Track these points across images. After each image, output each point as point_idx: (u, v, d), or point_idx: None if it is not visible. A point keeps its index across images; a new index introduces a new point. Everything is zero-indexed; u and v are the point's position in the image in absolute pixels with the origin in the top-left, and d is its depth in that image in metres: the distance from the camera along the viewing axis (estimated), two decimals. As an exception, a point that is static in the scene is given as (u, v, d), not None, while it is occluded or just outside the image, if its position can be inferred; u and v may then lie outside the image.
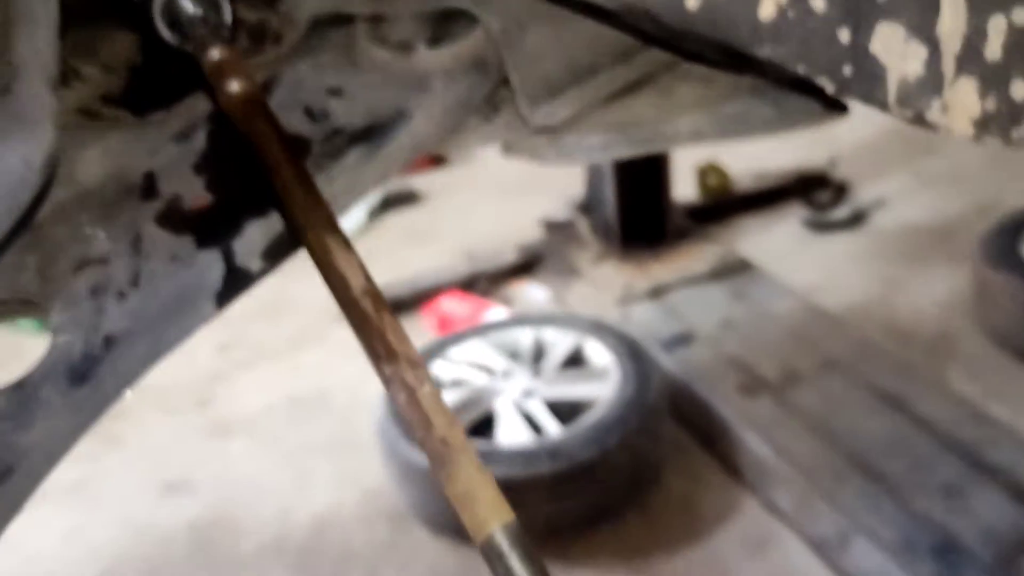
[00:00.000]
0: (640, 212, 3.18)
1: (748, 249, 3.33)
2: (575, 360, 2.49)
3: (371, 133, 0.55)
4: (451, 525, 2.24)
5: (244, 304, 2.66)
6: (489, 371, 2.46)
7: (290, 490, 2.52)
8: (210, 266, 0.52)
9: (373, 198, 4.23)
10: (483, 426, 2.35)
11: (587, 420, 2.18)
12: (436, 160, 4.82)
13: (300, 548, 2.32)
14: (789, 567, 2.08)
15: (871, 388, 2.38)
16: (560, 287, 3.30)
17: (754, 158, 4.12)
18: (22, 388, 0.48)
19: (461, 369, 2.47)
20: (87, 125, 0.45)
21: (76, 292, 0.47)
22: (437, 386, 0.46)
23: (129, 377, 0.51)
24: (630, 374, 2.29)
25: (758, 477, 2.26)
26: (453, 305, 3.16)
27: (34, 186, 0.41)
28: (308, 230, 0.50)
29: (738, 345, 2.62)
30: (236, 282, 0.54)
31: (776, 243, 3.51)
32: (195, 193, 0.51)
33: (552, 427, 2.23)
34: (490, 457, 2.13)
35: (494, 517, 0.40)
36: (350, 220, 4.07)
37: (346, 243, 0.50)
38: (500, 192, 4.39)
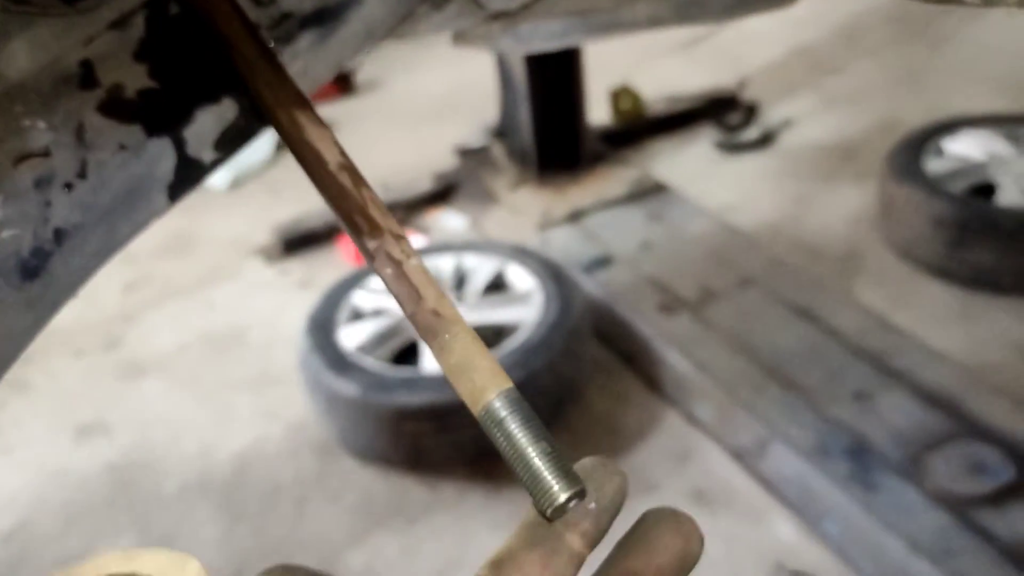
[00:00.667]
0: (555, 136, 3.17)
1: (662, 171, 3.36)
2: (497, 286, 2.49)
3: (322, 17, 0.52)
4: (379, 454, 2.24)
5: (150, 241, 2.59)
6: (411, 299, 2.43)
7: (210, 428, 2.48)
8: (161, 156, 0.49)
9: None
10: (407, 355, 2.35)
11: (512, 344, 2.19)
12: (344, 88, 4.70)
13: (225, 485, 2.29)
14: (711, 476, 2.15)
15: (784, 302, 2.45)
16: (478, 214, 3.28)
17: (666, 81, 4.14)
18: None
19: (381, 299, 2.44)
20: (10, 13, 0.41)
21: (19, 185, 0.44)
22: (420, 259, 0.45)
23: (82, 273, 0.48)
24: (552, 297, 2.30)
25: (679, 392, 2.32)
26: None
27: None
28: (277, 108, 0.47)
29: (656, 266, 2.66)
30: (188, 173, 0.51)
31: (689, 165, 3.55)
32: (138, 81, 0.47)
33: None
34: (417, 384, 2.12)
35: (492, 385, 0.40)
36: (256, 152, 3.95)
37: (318, 119, 0.48)
38: (412, 119, 4.32)
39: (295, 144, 0.47)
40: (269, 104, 0.48)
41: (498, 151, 3.36)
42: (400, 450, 2.21)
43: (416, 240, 3.00)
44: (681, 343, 2.33)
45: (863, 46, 4.44)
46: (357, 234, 0.45)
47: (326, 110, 4.32)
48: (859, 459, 1.95)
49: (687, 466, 2.19)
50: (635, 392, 2.41)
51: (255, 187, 3.88)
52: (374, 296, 2.45)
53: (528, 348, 2.15)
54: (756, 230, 2.98)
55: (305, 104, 0.48)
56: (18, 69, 0.43)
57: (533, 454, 0.39)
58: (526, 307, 2.32)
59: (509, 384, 0.40)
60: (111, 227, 0.48)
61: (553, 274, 2.38)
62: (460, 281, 2.50)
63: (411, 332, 2.35)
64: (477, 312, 2.37)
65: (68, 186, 0.45)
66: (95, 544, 2.15)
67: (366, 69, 4.93)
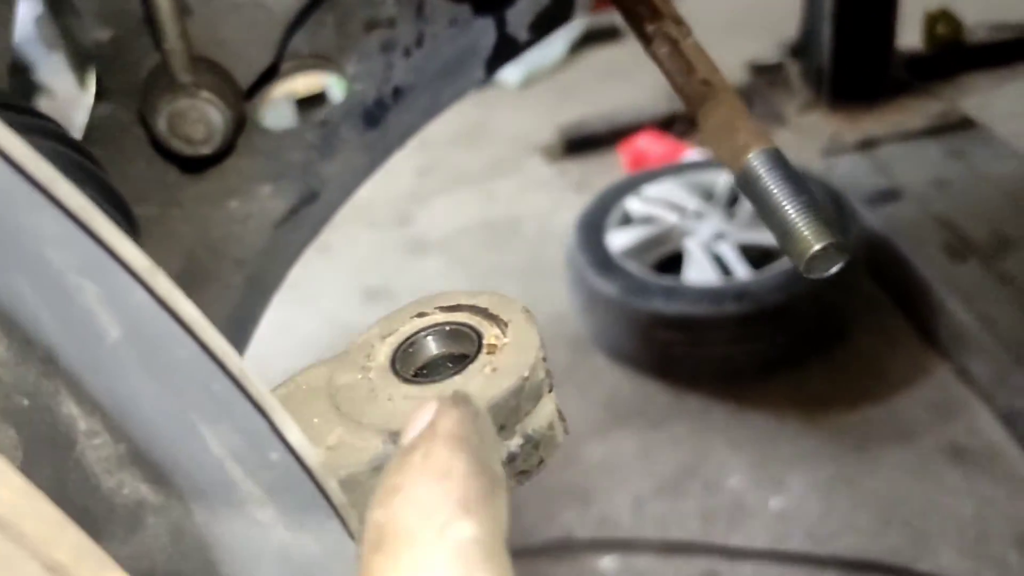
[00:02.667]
0: (857, 59, 2.99)
1: (974, 108, 3.08)
2: (771, 207, 2.44)
3: None
4: (630, 356, 2.31)
5: (444, 131, 2.77)
6: (681, 210, 2.45)
7: (479, 308, 2.65)
8: (484, 32, 0.56)
9: (573, 31, 4.17)
10: (671, 264, 2.37)
11: (778, 266, 2.16)
12: (642, -5, 4.66)
13: (486, 362, 2.46)
14: (974, 435, 2.03)
15: (1095, 263, 2.22)
16: (761, 134, 3.19)
17: (991, 7, 3.74)
18: (326, 125, 0.55)
19: (653, 206, 2.47)
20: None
21: (368, 48, 0.52)
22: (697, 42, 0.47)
23: (409, 128, 0.56)
24: (828, 225, 2.22)
25: (954, 343, 2.18)
26: (649, 143, 3.13)
27: None
28: None
29: (949, 206, 2.48)
30: (505, 49, 0.57)
31: (1007, 102, 3.22)
32: None
33: (741, 270, 2.22)
34: (676, 293, 2.15)
35: (754, 143, 0.41)
36: (549, 52, 4.05)
37: None
38: (706, 31, 4.20)
39: None
40: None
41: (792, 70, 3.23)
42: (650, 355, 2.27)
43: (693, 153, 2.98)
44: (965, 292, 2.18)
45: None
46: (639, 21, 0.48)
47: (619, 18, 4.31)
48: None
49: (950, 421, 2.08)
50: (905, 337, 2.30)
51: (545, 87, 3.99)
52: (646, 204, 2.49)
53: (794, 273, 2.11)
54: (1075, 181, 2.68)
55: None
56: None
57: (789, 207, 0.40)
58: (798, 232, 2.26)
59: (771, 144, 0.42)
60: (437, 90, 0.55)
61: (832, 201, 2.30)
62: (734, 199, 2.48)
63: (679, 243, 2.37)
64: (747, 231, 2.35)
65: (407, 52, 0.53)
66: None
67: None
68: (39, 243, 0.25)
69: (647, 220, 2.45)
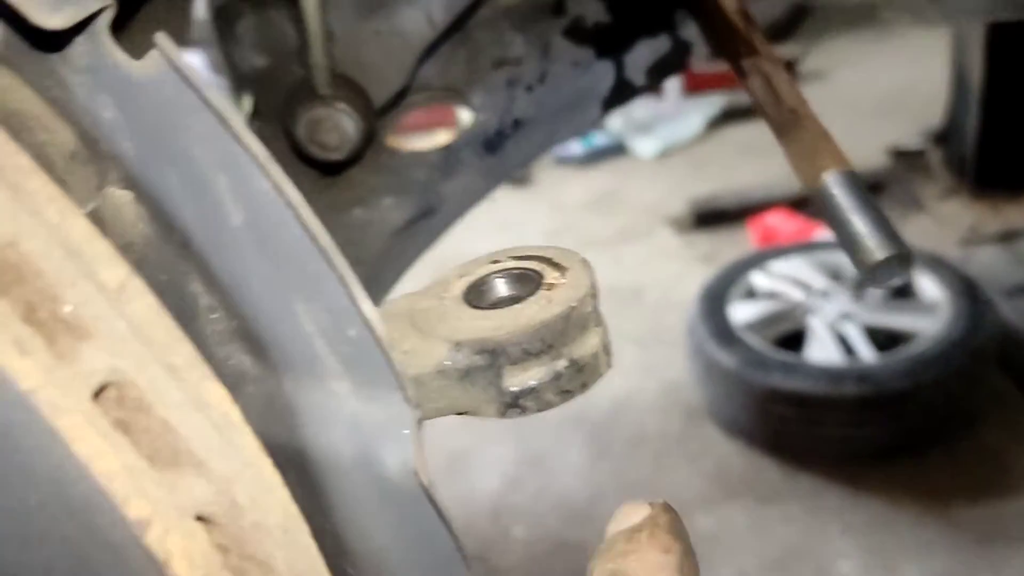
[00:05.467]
0: (1003, 147, 2.91)
1: None
2: (902, 291, 2.39)
3: None
4: (744, 429, 2.29)
5: (579, 196, 2.84)
6: (807, 288, 2.43)
7: (596, 370, 2.68)
8: (603, 74, 0.62)
9: (712, 109, 4.22)
10: (792, 342, 2.35)
11: (905, 352, 2.11)
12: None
13: (597, 423, 2.48)
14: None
15: None
16: (899, 218, 3.14)
17: None
18: (449, 149, 0.62)
19: (779, 282, 2.46)
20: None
21: (494, 83, 0.59)
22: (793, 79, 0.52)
23: (524, 158, 0.63)
24: (961, 314, 2.17)
25: (1091, 446, 2.07)
26: (780, 221, 3.12)
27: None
28: None
29: (1096, 305, 2.37)
30: (621, 92, 0.63)
31: None
32: (597, 15, 0.60)
33: (866, 352, 2.18)
34: (796, 370, 2.14)
35: (833, 165, 0.45)
36: (687, 127, 4.10)
37: None
38: (849, 113, 4.18)
39: None
40: None
41: (934, 156, 3.18)
42: (765, 431, 2.24)
43: (822, 233, 2.96)
44: (1106, 394, 2.07)
45: None
46: (735, 58, 0.53)
47: (763, 95, 4.33)
48: None
49: (1083, 527, 1.97)
50: (1037, 435, 2.20)
51: (680, 160, 4.04)
52: (772, 279, 2.48)
53: (921, 359, 2.06)
54: None
55: None
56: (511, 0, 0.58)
57: (857, 220, 0.44)
58: (929, 318, 2.21)
59: (849, 167, 0.45)
60: (554, 125, 0.62)
61: (967, 291, 2.24)
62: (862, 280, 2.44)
63: (802, 320, 2.35)
64: (874, 313, 2.31)
65: (529, 88, 0.59)
66: (478, 440, 2.46)
67: (812, 59, 4.85)
68: (190, 141, 0.31)
69: (772, 295, 2.45)
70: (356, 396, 0.33)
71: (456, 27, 0.57)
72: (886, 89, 4.37)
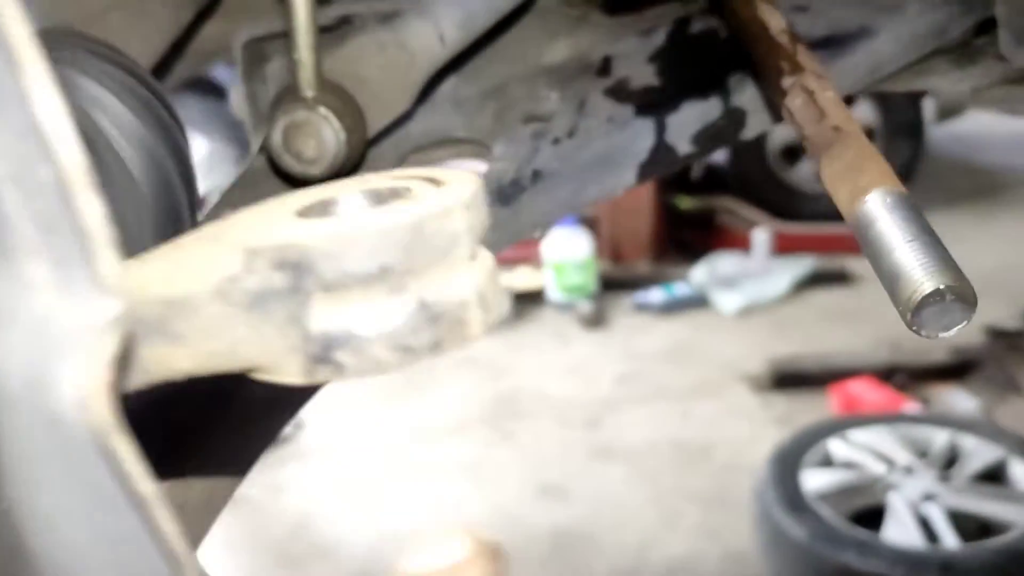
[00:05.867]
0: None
1: None
2: (994, 476, 2.19)
3: (829, 42, 0.54)
4: (811, 611, 2.08)
5: (653, 344, 2.75)
6: (889, 462, 2.25)
7: (654, 527, 2.52)
8: (641, 134, 0.55)
9: (801, 270, 4.12)
10: (868, 518, 2.16)
11: (995, 543, 1.91)
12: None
13: (651, 585, 2.30)
14: None
15: None
16: (993, 401, 2.93)
17: None
18: None
19: (858, 452, 2.29)
20: (564, 17, 0.50)
21: (520, 136, 0.52)
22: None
23: (545, 216, 0.55)
24: (1062, 508, 1.96)
25: None
26: (864, 390, 2.96)
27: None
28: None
29: None
30: (661, 157, 0.56)
31: None
32: (644, 78, 0.54)
33: (950, 539, 1.98)
34: (872, 550, 1.94)
35: (878, 184, 0.35)
36: (773, 286, 4.00)
37: (771, 5, 0.49)
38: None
39: (746, 18, 0.49)
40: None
41: (1034, 338, 2.99)
42: (833, 615, 2.03)
43: (909, 407, 2.78)
44: None
45: None
46: (778, 75, 0.45)
47: (853, 262, 4.22)
48: None
49: None
50: None
51: (763, 319, 3.92)
52: (851, 448, 2.31)
53: (1011, 553, 1.86)
54: None
55: None
56: (553, 58, 0.52)
57: (904, 248, 0.33)
58: (1022, 508, 2.01)
59: (900, 188, 0.35)
60: (581, 184, 0.54)
61: (1068, 483, 2.04)
62: (950, 460, 2.25)
63: (880, 496, 2.17)
64: (961, 497, 2.11)
65: (556, 140, 0.52)
66: (523, 592, 2.30)
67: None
68: None
69: (850, 465, 2.27)
70: (55, 284, 0.22)
71: (467, 55, 0.52)
72: (988, 266, 4.21)
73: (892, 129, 4.82)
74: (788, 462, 2.26)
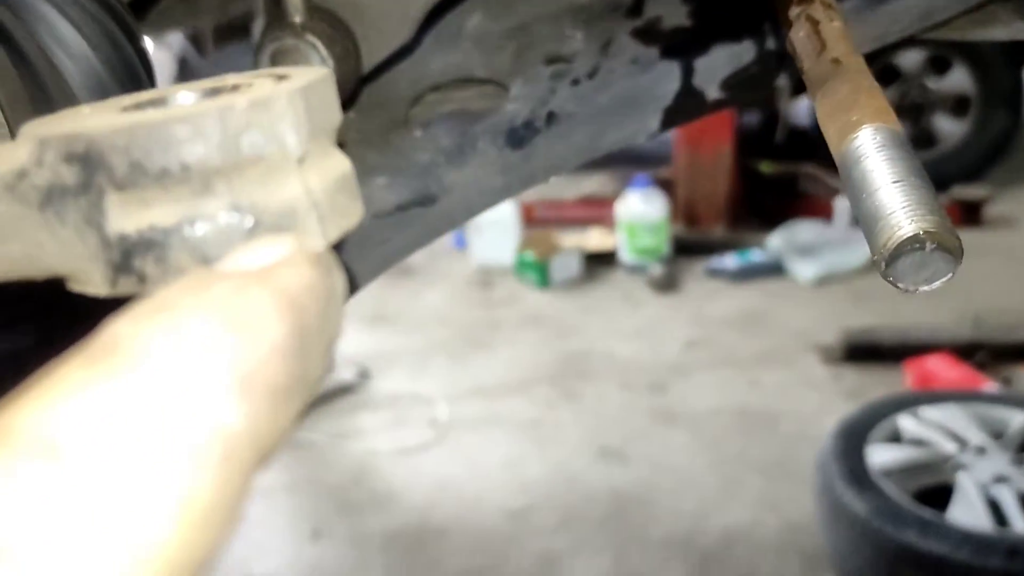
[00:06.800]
0: None
1: None
2: (1074, 462, 2.10)
3: None
4: (870, 589, 2.03)
5: (724, 310, 2.71)
6: (962, 442, 2.17)
7: (713, 494, 2.49)
8: (666, 76, 0.52)
9: (884, 240, 3.98)
10: (933, 497, 2.09)
11: (1069, 531, 1.83)
12: (973, 218, 4.38)
13: (706, 553, 2.28)
14: None
15: None
16: (1079, 384, 2.80)
17: None
18: (465, 135, 0.53)
19: (929, 430, 2.22)
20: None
21: (539, 76, 0.50)
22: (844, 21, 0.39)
23: (558, 161, 0.53)
24: None
25: None
26: (941, 366, 2.85)
27: None
28: None
29: None
30: (687, 103, 0.52)
31: None
32: (676, 18, 0.51)
33: (1020, 523, 1.90)
34: (937, 531, 1.88)
35: (871, 120, 0.32)
36: (853, 255, 3.88)
37: None
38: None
39: None
40: None
41: None
42: (893, 593, 1.98)
43: (988, 386, 2.67)
44: None
45: None
46: (787, 5, 0.42)
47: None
48: None
49: None
50: None
51: (839, 288, 3.81)
52: (922, 425, 2.24)
53: (1087, 542, 1.77)
54: None
55: None
56: None
57: (887, 189, 0.30)
58: (1103, 497, 1.91)
59: (894, 124, 0.32)
60: (600, 128, 0.52)
61: None
62: (1029, 442, 2.16)
63: (949, 476, 2.09)
64: (1037, 481, 2.03)
65: (576, 82, 0.50)
66: (574, 546, 2.30)
67: (1000, 205, 4.55)
68: None
69: (919, 442, 2.20)
70: None
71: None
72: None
73: (988, 97, 4.61)
74: (854, 436, 2.20)
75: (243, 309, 0.19)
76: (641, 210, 4.07)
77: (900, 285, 0.31)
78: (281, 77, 0.26)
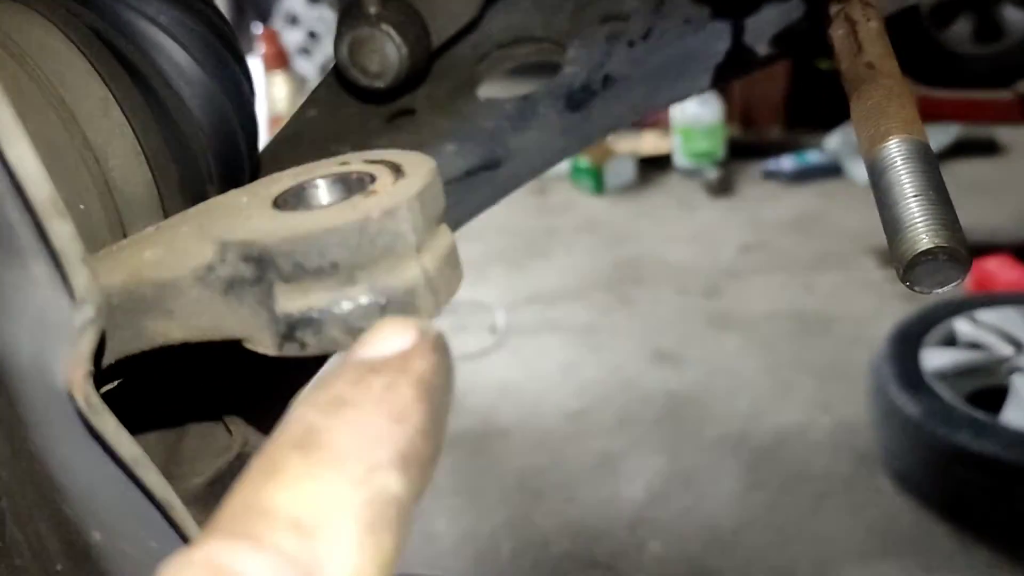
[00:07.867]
0: None
1: None
2: None
3: None
4: (918, 486, 2.09)
5: (779, 213, 2.70)
6: (1017, 344, 2.19)
7: (767, 395, 2.55)
8: (718, 36, 0.55)
9: (944, 139, 3.90)
10: (987, 400, 2.12)
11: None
12: (1034, 112, 4.25)
13: (758, 451, 2.35)
14: None
15: None
16: None
17: None
18: (526, 100, 0.57)
19: (985, 332, 2.23)
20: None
21: (595, 37, 0.53)
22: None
23: (615, 120, 0.57)
24: None
25: None
26: (1000, 267, 2.84)
27: None
28: None
29: None
30: (738, 61, 0.56)
31: None
32: None
33: (1074, 424, 1.94)
34: (990, 432, 1.92)
35: (899, 132, 0.36)
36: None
37: None
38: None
39: None
40: None
41: None
42: (942, 492, 2.04)
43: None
44: None
45: None
46: (827, 3, 0.45)
47: (1003, 132, 3.97)
48: None
49: None
50: None
51: (898, 190, 3.76)
52: (977, 328, 2.25)
53: None
54: None
55: None
56: None
57: (910, 202, 0.35)
58: None
59: (922, 136, 0.36)
60: (654, 88, 0.55)
61: None
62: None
63: (1005, 378, 2.12)
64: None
65: (631, 43, 0.53)
66: (630, 445, 2.38)
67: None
68: None
69: (974, 345, 2.22)
70: (51, 282, 0.27)
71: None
72: None
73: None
74: (910, 339, 2.23)
75: (397, 403, 0.25)
76: (696, 112, 4.02)
77: (916, 288, 0.35)
78: (395, 167, 0.33)
